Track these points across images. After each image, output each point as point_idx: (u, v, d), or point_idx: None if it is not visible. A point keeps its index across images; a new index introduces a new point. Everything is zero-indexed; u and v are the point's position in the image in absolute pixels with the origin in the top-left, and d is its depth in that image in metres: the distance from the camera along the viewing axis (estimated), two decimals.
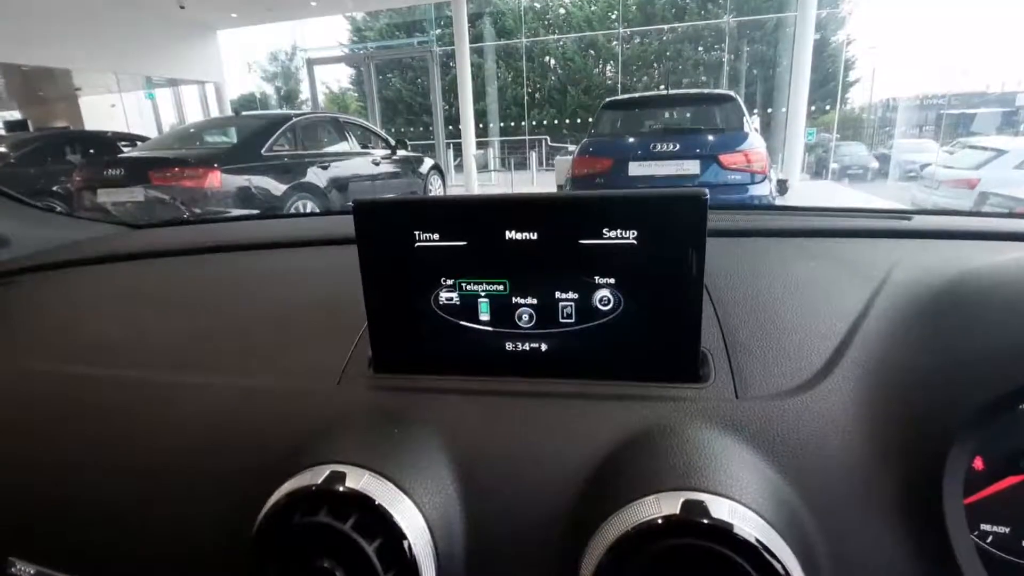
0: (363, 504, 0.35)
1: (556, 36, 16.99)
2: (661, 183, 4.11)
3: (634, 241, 0.40)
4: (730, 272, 0.53)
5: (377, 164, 6.06)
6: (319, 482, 0.35)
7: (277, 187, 4.82)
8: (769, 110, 13.19)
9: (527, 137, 15.22)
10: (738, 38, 15.21)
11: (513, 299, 0.43)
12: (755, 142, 4.25)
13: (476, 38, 14.70)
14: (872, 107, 15.45)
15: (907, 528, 0.35)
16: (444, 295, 0.44)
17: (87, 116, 13.65)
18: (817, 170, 12.28)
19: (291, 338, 0.53)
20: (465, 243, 0.42)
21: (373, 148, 6.31)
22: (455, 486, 0.39)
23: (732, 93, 4.88)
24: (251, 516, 0.37)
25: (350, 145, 6.02)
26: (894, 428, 0.37)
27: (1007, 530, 0.39)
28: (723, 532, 0.30)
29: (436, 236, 0.43)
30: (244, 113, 6.29)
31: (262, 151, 4.90)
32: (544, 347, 0.44)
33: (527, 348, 0.44)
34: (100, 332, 0.61)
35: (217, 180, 4.44)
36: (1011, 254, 0.47)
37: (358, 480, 0.35)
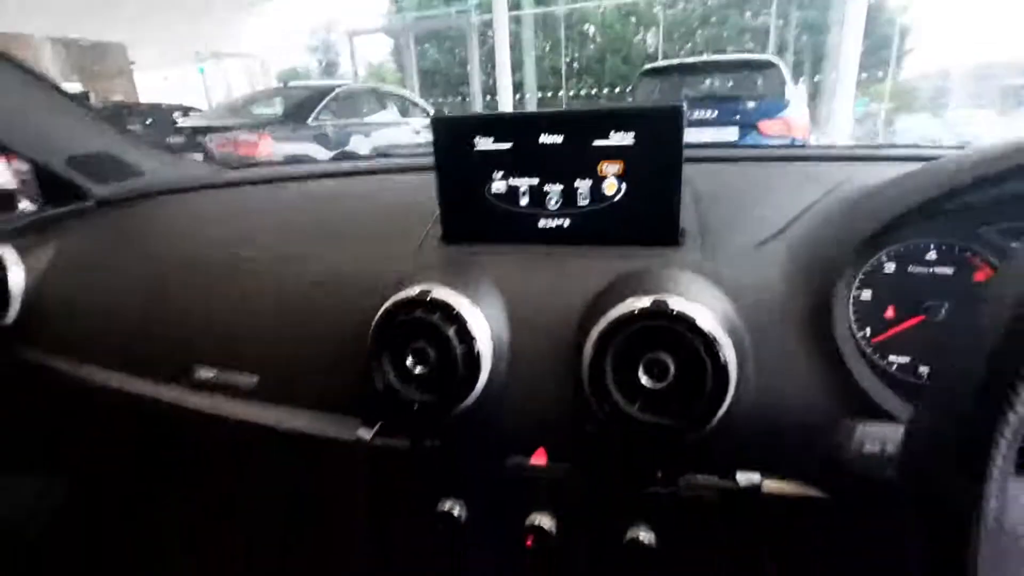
0: (444, 306, 0.53)
1: (596, 3, 16.63)
2: None
3: (632, 141, 0.56)
4: (714, 182, 0.68)
5: (417, 133, 6.25)
6: (415, 294, 0.53)
7: (323, 154, 5.07)
8: (817, 78, 12.68)
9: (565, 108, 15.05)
10: (787, 2, 14.57)
11: (544, 187, 0.60)
12: (796, 110, 4.19)
13: (514, 6, 14.56)
14: (927, 76, 14.62)
15: (810, 340, 0.50)
16: (495, 185, 0.61)
17: (141, 89, 14.29)
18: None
19: (379, 226, 0.72)
20: (511, 145, 0.59)
21: (412, 117, 6.49)
22: (504, 309, 0.57)
23: (773, 59, 4.79)
24: (368, 325, 0.56)
25: (391, 114, 6.22)
26: (803, 272, 0.52)
27: (908, 359, 0.54)
28: (683, 318, 0.47)
29: (490, 140, 0.60)
30: (291, 84, 6.56)
31: (308, 120, 5.16)
32: (566, 223, 0.60)
33: (554, 224, 0.61)
34: (236, 227, 0.81)
35: (269, 147, 4.73)
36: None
37: (440, 293, 0.53)
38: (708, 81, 5.16)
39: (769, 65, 4.64)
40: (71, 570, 1.03)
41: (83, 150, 0.97)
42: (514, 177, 0.61)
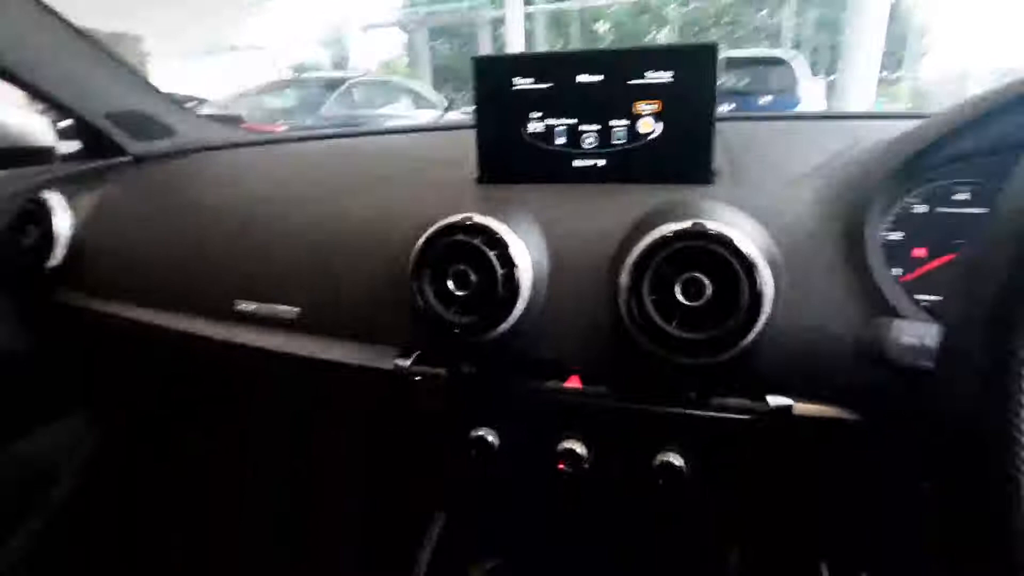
0: (486, 230, 0.55)
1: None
2: None
3: (670, 79, 0.58)
4: (743, 135, 0.70)
5: None
6: (457, 219, 0.56)
7: None
8: (832, 77, 12.58)
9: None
10: (804, 0, 14.46)
11: (580, 127, 0.62)
12: (809, 105, 4.21)
13: (527, 1, 14.54)
14: (946, 79, 14.45)
15: (844, 266, 0.51)
16: (531, 125, 0.63)
17: (154, 80, 14.37)
18: None
19: (414, 172, 0.74)
20: (549, 84, 0.61)
21: (423, 109, 6.52)
22: (541, 239, 0.59)
23: (785, 56, 4.80)
24: (406, 257, 0.58)
25: (404, 107, 6.25)
26: (835, 205, 0.54)
27: (939, 297, 0.55)
28: (720, 238, 0.48)
29: (529, 80, 0.61)
30: (304, 75, 6.61)
31: (321, 111, 5.20)
32: (601, 162, 0.62)
33: (589, 164, 0.62)
34: (273, 177, 0.83)
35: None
36: None
37: (482, 219, 0.55)
38: (721, 77, 5.15)
39: (781, 62, 4.66)
40: (109, 513, 1.06)
41: (121, 106, 1.00)
42: (551, 117, 0.62)
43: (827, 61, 13.82)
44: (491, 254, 0.54)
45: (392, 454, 0.77)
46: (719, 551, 0.71)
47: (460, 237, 0.55)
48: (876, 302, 0.49)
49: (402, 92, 6.41)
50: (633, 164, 0.61)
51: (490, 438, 0.61)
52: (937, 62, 15.50)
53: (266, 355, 0.69)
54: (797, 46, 13.93)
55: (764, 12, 15.90)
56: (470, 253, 0.55)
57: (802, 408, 0.52)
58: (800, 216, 0.54)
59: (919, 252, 0.57)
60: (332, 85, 5.51)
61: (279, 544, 0.99)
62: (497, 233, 0.55)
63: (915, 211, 0.57)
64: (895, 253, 0.56)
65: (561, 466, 0.61)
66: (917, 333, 0.41)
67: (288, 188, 0.79)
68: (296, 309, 0.68)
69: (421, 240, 0.57)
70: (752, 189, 0.58)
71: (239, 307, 0.71)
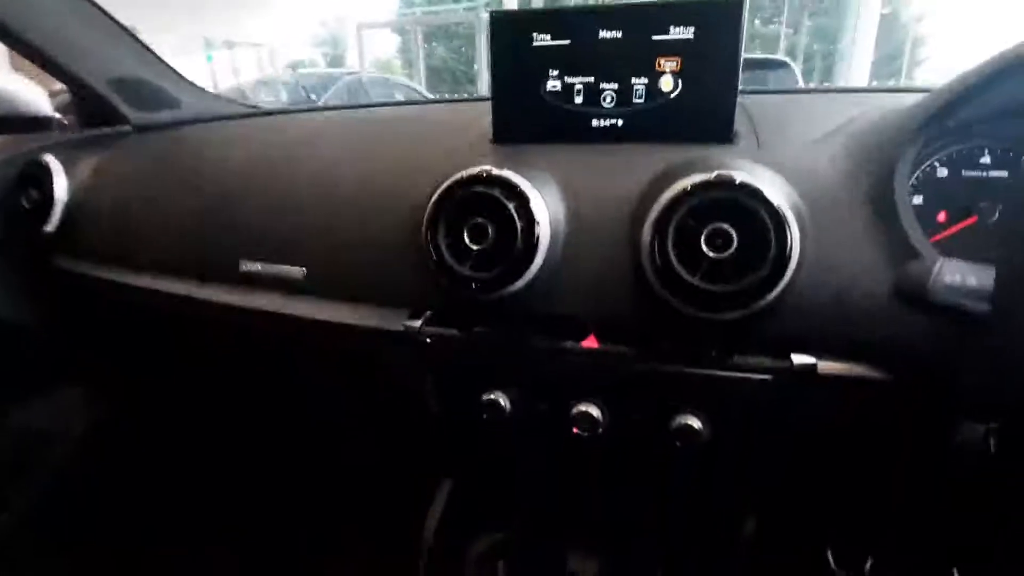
0: (505, 182, 0.54)
1: (607, 3, 16.59)
2: None
3: (691, 35, 0.57)
4: (763, 103, 0.69)
5: None
6: (475, 171, 0.54)
7: None
8: (826, 85, 12.69)
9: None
10: (799, 10, 14.60)
11: (600, 85, 0.61)
12: None
13: (523, 4, 14.58)
14: None
15: (871, 221, 0.51)
16: (549, 83, 0.62)
17: None
18: None
19: (425, 135, 0.73)
20: (568, 41, 0.60)
21: None
22: (560, 194, 0.58)
23: (786, 59, 4.84)
24: (419, 215, 0.57)
25: None
26: (860, 159, 0.53)
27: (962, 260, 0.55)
28: (747, 187, 0.47)
29: (548, 37, 0.60)
30: (299, 71, 6.59)
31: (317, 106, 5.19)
32: (620, 122, 0.61)
33: (607, 123, 0.61)
34: (279, 143, 0.82)
35: None
36: None
37: (500, 172, 0.54)
38: None
39: (782, 65, 4.69)
40: (110, 481, 1.03)
41: (124, 73, 0.98)
42: (569, 75, 0.61)
43: (821, 69, 13.97)
44: (511, 206, 0.53)
45: (399, 419, 0.76)
46: (735, 519, 0.70)
47: (479, 188, 0.54)
48: (906, 255, 0.48)
49: (398, 89, 6.40)
50: (652, 124, 0.60)
51: (502, 401, 0.60)
52: (934, 72, 15.68)
53: (271, 318, 0.68)
54: (790, 53, 14.07)
55: (757, 21, 16.04)
56: (488, 206, 0.54)
57: (827, 366, 0.51)
58: (826, 172, 0.53)
59: (941, 216, 0.56)
60: (327, 81, 5.49)
61: (280, 511, 0.97)
62: (518, 185, 0.54)
63: (937, 175, 0.57)
64: (917, 217, 0.55)
65: (575, 430, 0.59)
66: (960, 270, 0.40)
67: (295, 151, 0.78)
68: (302, 269, 0.67)
69: (438, 191, 0.56)
70: (775, 148, 0.57)
71: (244, 268, 0.69)
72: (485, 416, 0.60)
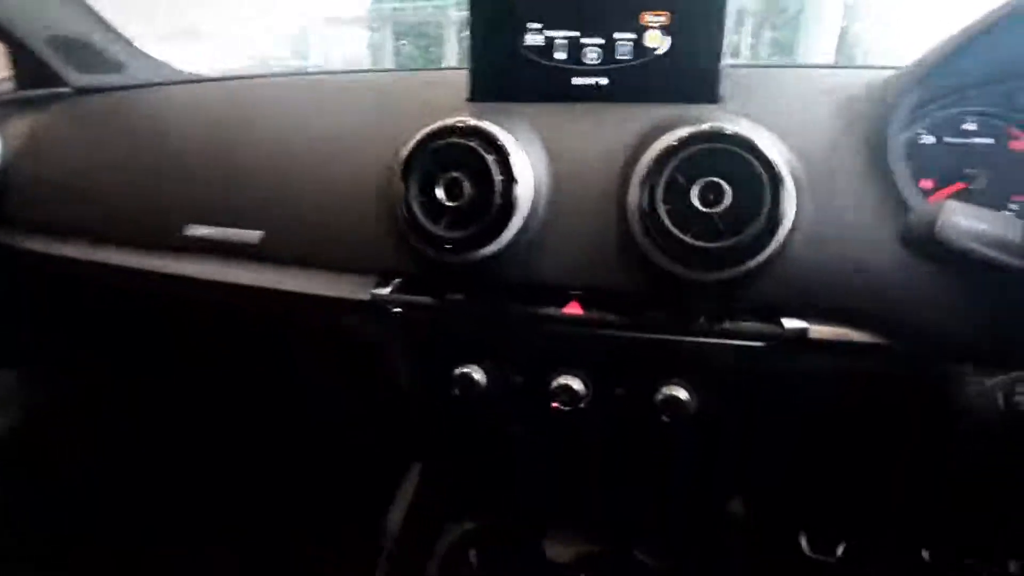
0: (484, 133, 0.50)
1: None
2: None
3: None
4: (752, 74, 0.67)
5: None
6: (451, 122, 0.50)
7: None
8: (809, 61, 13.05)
9: None
10: (759, 23, 15.06)
11: (582, 40, 0.57)
12: None
13: None
14: None
15: (865, 172, 0.49)
16: (528, 37, 0.58)
17: None
18: None
19: (393, 96, 0.68)
20: None
21: None
22: (542, 151, 0.54)
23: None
24: (387, 174, 0.52)
25: None
26: (854, 114, 0.51)
27: None
28: (740, 139, 0.45)
29: None
30: (268, 64, 6.39)
31: None
32: (603, 80, 0.58)
33: (590, 82, 0.58)
34: (231, 106, 0.76)
35: None
36: None
37: (478, 122, 0.50)
38: None
39: None
40: (111, 481, 0.95)
41: (65, 32, 0.90)
42: (551, 29, 0.58)
43: None
44: (489, 159, 0.49)
45: (363, 398, 0.70)
46: (721, 499, 0.67)
47: (454, 139, 0.50)
48: (901, 210, 0.47)
49: None
50: (637, 82, 0.57)
51: (476, 376, 0.56)
52: None
53: (223, 288, 0.62)
54: None
55: None
56: (465, 160, 0.50)
57: (819, 331, 0.49)
58: (818, 129, 0.51)
59: (926, 183, 0.55)
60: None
61: (275, 508, 0.90)
62: (497, 137, 0.50)
63: (922, 142, 0.56)
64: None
65: (555, 405, 0.56)
66: (973, 214, 0.38)
67: (250, 113, 0.71)
68: (258, 233, 0.61)
69: (410, 144, 0.51)
70: (765, 107, 0.55)
71: (189, 232, 0.63)
72: (457, 392, 0.56)
